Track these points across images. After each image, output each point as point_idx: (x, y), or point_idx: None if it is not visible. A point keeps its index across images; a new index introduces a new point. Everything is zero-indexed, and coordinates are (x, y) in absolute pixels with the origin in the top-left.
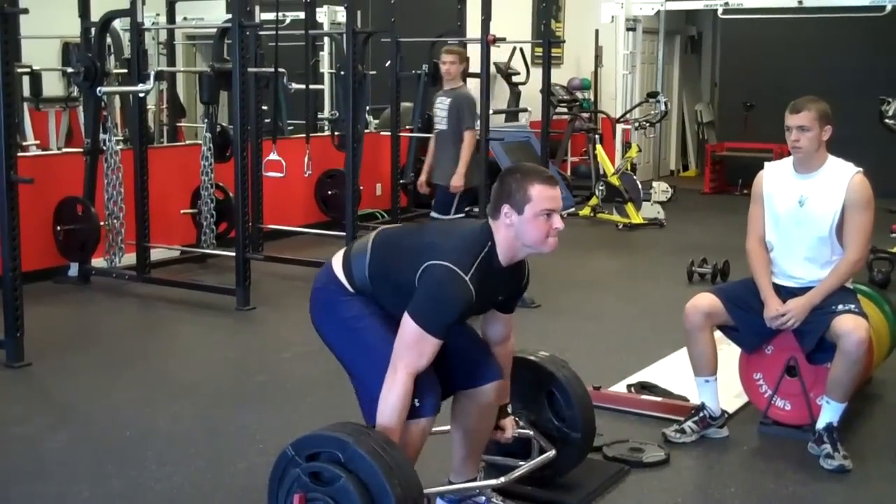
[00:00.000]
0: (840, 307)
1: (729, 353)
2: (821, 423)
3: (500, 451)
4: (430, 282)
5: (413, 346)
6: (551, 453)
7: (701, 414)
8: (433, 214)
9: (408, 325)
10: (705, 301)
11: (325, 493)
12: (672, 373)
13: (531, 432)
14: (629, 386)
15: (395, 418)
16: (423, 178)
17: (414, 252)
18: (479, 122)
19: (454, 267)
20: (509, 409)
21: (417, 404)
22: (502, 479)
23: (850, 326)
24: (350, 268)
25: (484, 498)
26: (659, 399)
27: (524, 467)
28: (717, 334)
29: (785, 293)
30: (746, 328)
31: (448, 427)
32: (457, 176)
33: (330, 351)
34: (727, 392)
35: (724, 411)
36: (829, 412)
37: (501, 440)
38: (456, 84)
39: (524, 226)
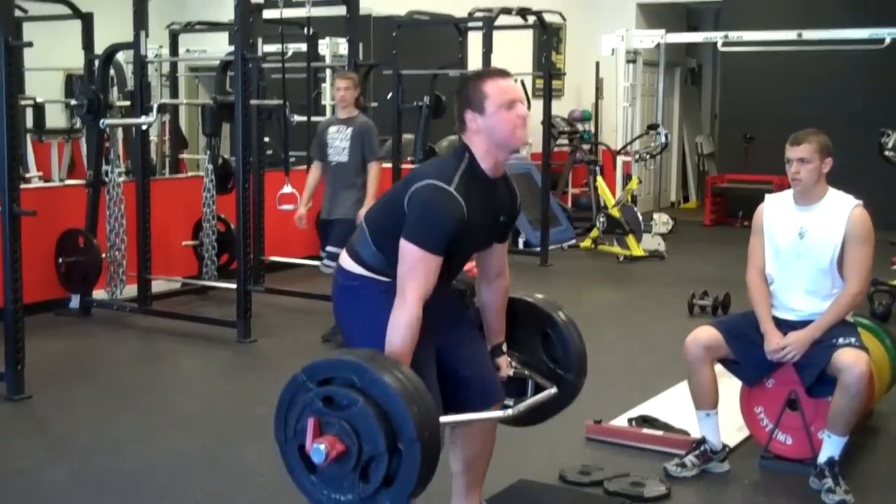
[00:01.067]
0: (841, 341)
1: (730, 386)
2: (822, 458)
3: None
4: (417, 202)
5: (415, 269)
6: (553, 390)
7: (702, 448)
8: (330, 249)
9: (405, 248)
10: (706, 334)
11: (340, 418)
12: (673, 406)
13: (526, 372)
14: (630, 419)
15: (406, 343)
16: (302, 210)
17: (397, 193)
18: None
19: (436, 181)
20: (504, 348)
21: None
22: (510, 412)
23: (850, 360)
24: (359, 256)
25: None
26: (660, 433)
27: (529, 401)
28: (718, 367)
29: (785, 326)
30: (747, 361)
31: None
32: (365, 210)
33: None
34: (728, 426)
35: (725, 445)
36: (831, 446)
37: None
38: (352, 112)
39: (490, 123)
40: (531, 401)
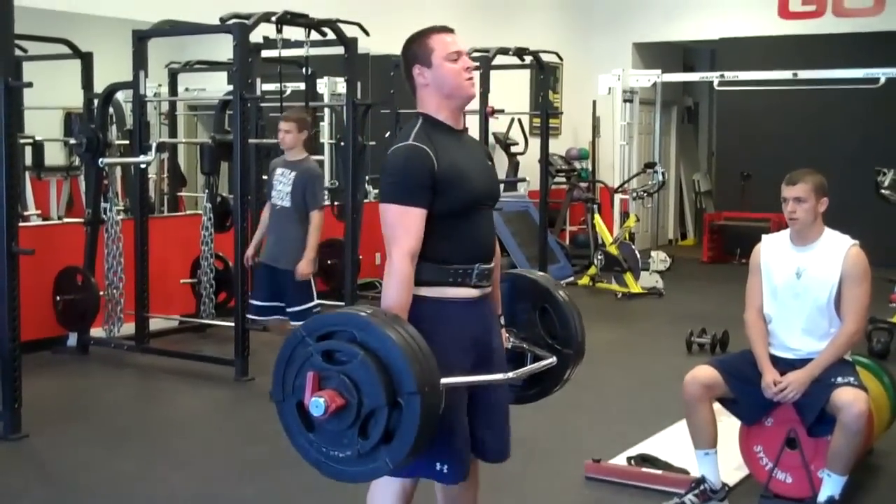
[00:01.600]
0: (839, 380)
1: (729, 425)
2: (822, 497)
3: None
4: (385, 168)
5: (395, 226)
6: (553, 360)
7: (701, 487)
8: (261, 304)
9: (382, 211)
10: (704, 373)
11: (340, 372)
12: (672, 445)
13: (525, 346)
14: (629, 458)
15: (400, 301)
16: (251, 251)
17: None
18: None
19: (398, 144)
20: (502, 321)
21: (445, 471)
22: (511, 374)
23: (849, 399)
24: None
25: None
26: (659, 472)
27: (529, 368)
28: (717, 406)
29: (783, 365)
30: (746, 400)
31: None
32: (305, 262)
33: None
34: (727, 464)
35: (724, 484)
36: (831, 485)
37: None
38: (299, 155)
39: (437, 74)
40: (530, 367)
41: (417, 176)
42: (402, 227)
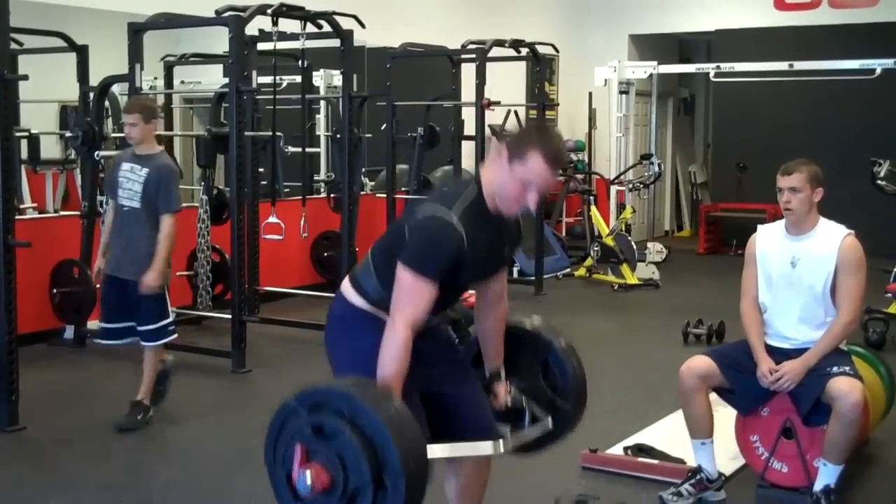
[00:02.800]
0: (835, 369)
1: (725, 415)
2: (818, 486)
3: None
4: (417, 229)
5: (409, 294)
6: (548, 424)
7: (698, 476)
8: (112, 326)
9: (400, 273)
10: (700, 363)
11: (327, 447)
12: (669, 435)
13: (523, 399)
14: (626, 448)
15: (395, 371)
16: (99, 262)
17: (400, 224)
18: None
19: (439, 210)
20: (502, 374)
21: None
22: (501, 449)
23: (845, 389)
24: (362, 287)
25: None
26: (656, 462)
27: (523, 435)
28: (713, 396)
29: (779, 354)
30: (742, 390)
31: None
32: (153, 273)
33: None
34: (724, 454)
35: (720, 474)
36: (827, 474)
37: (494, 406)
38: (151, 149)
39: (506, 182)
40: (523, 435)
41: (445, 258)
42: (414, 297)
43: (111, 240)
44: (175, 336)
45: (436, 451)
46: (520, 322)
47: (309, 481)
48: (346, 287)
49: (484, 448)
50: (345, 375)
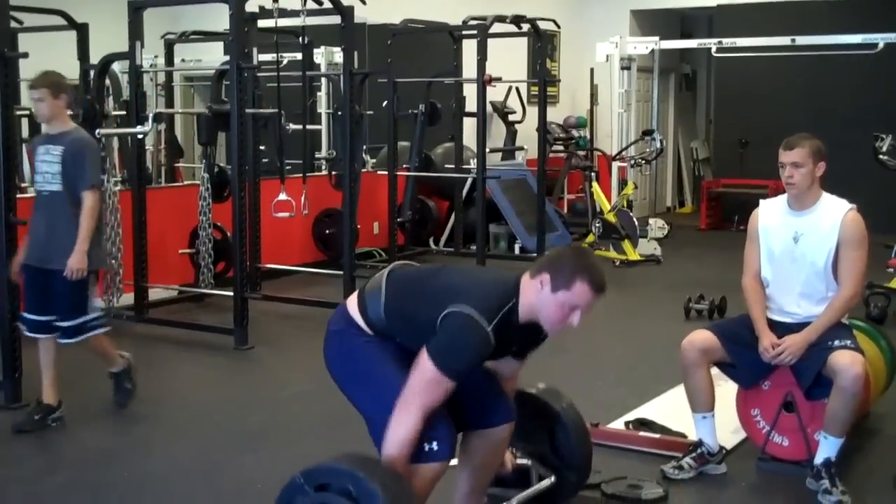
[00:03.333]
0: (836, 343)
1: (726, 389)
2: (819, 459)
3: (497, 481)
4: (452, 327)
5: (428, 387)
6: (552, 480)
7: (699, 450)
8: (35, 318)
9: (425, 365)
10: (701, 338)
11: None
12: (670, 409)
13: (529, 462)
14: (627, 423)
15: (402, 453)
16: (19, 257)
17: (435, 295)
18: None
19: (477, 316)
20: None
21: (436, 448)
22: None
23: (846, 362)
24: (365, 306)
25: None
26: (657, 436)
27: (527, 491)
28: (714, 370)
29: (781, 329)
30: (743, 364)
31: (454, 461)
32: (77, 255)
33: (340, 390)
34: (725, 428)
35: (721, 447)
36: (827, 447)
37: (500, 472)
38: (63, 126)
39: (549, 303)
40: (529, 492)
41: (472, 361)
42: (433, 392)
43: (32, 228)
44: (104, 330)
45: None
46: (528, 388)
47: None
48: (352, 303)
49: None
50: (353, 391)
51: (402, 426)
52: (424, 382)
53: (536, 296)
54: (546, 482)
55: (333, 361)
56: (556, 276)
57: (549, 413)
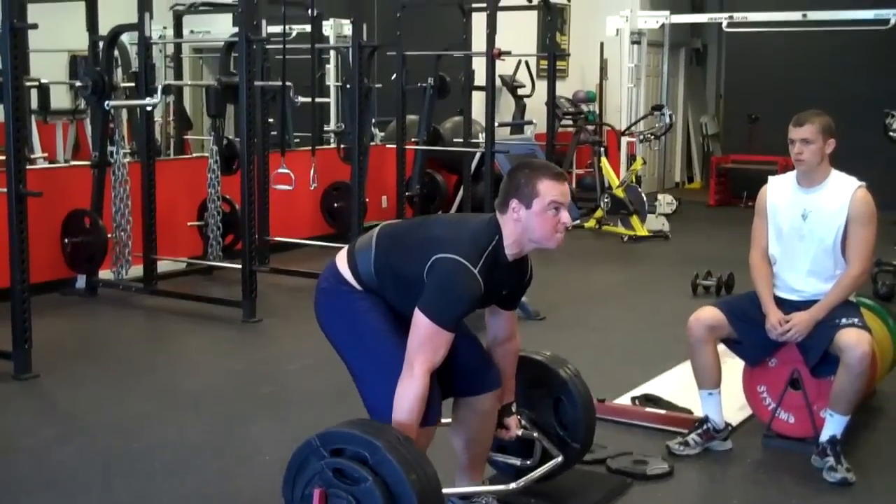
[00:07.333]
0: (843, 321)
1: (732, 366)
2: (824, 436)
3: (500, 449)
4: (439, 275)
5: (427, 342)
6: (559, 460)
7: (704, 426)
8: None
9: (420, 320)
10: (708, 314)
11: (347, 492)
12: (676, 385)
13: (535, 433)
14: (633, 398)
15: (413, 416)
16: None
17: (420, 246)
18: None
19: (463, 260)
20: (513, 408)
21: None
22: (512, 486)
23: (853, 340)
24: (355, 264)
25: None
26: (663, 412)
27: (534, 473)
28: (721, 347)
29: (788, 306)
30: (750, 341)
31: (447, 420)
32: None
33: (334, 349)
34: (731, 405)
35: (727, 424)
36: (833, 425)
37: (504, 438)
38: None
39: (532, 220)
40: (536, 474)
41: (464, 309)
42: (433, 346)
43: None
44: None
45: (450, 490)
46: (534, 354)
47: None
48: (341, 259)
49: (496, 487)
50: (342, 343)
51: (411, 389)
52: (423, 338)
53: (517, 223)
54: (553, 462)
55: (326, 319)
56: (521, 195)
57: (554, 381)
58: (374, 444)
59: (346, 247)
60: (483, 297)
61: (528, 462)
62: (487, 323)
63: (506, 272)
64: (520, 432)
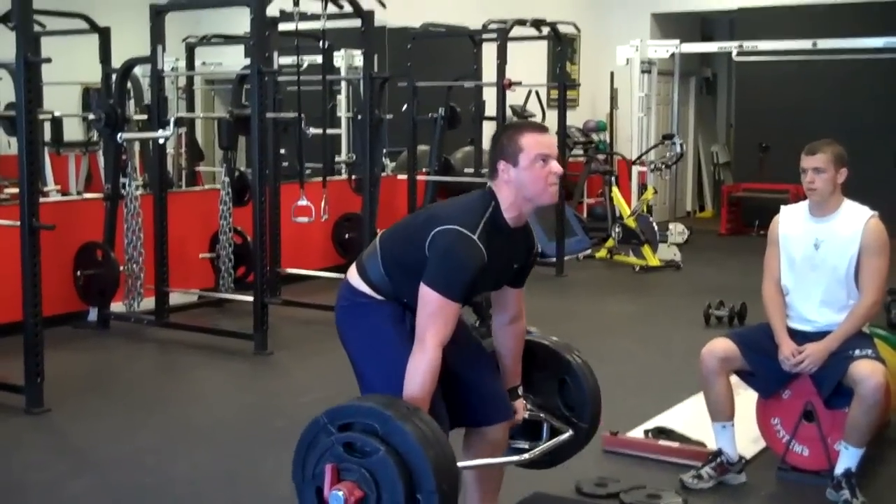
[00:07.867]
0: (857, 352)
1: (746, 398)
2: (839, 469)
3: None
4: (440, 247)
5: (435, 315)
6: (568, 434)
7: (718, 459)
8: None
9: (426, 294)
10: (721, 346)
11: (360, 465)
12: (689, 418)
13: (542, 415)
14: (646, 431)
15: (425, 389)
16: None
17: (419, 230)
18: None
19: (460, 228)
20: (520, 391)
21: None
22: (526, 456)
23: (867, 372)
24: (366, 272)
25: None
26: (676, 444)
27: (546, 444)
28: (734, 379)
29: (801, 337)
30: (763, 373)
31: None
32: None
33: (351, 370)
34: (744, 437)
35: (741, 457)
36: (848, 457)
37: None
38: None
39: (522, 176)
40: (547, 445)
41: (468, 276)
42: (443, 318)
43: None
44: None
45: (465, 463)
46: (538, 338)
47: (342, 498)
48: (353, 273)
49: (509, 458)
50: (361, 359)
51: (423, 362)
52: (431, 312)
53: (509, 184)
54: (564, 436)
55: (346, 328)
56: (506, 155)
57: (560, 363)
58: (384, 415)
59: (353, 264)
60: (490, 272)
61: (538, 444)
62: (493, 302)
63: (509, 241)
64: (526, 415)
